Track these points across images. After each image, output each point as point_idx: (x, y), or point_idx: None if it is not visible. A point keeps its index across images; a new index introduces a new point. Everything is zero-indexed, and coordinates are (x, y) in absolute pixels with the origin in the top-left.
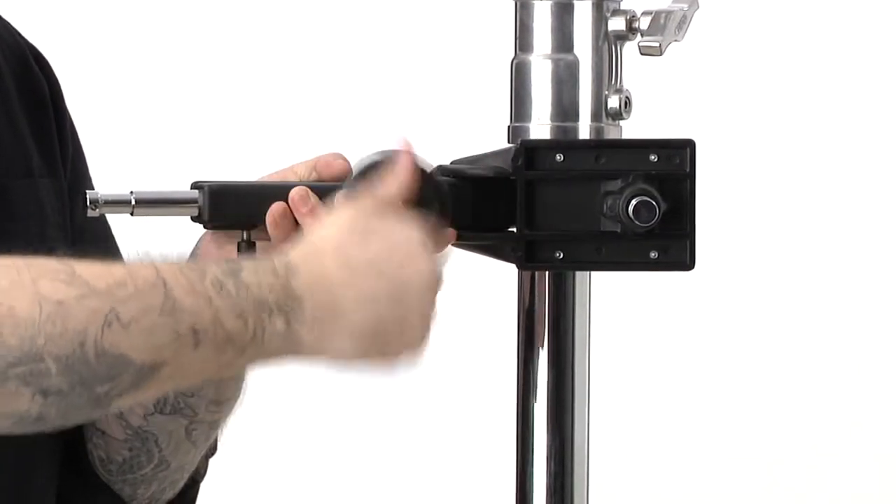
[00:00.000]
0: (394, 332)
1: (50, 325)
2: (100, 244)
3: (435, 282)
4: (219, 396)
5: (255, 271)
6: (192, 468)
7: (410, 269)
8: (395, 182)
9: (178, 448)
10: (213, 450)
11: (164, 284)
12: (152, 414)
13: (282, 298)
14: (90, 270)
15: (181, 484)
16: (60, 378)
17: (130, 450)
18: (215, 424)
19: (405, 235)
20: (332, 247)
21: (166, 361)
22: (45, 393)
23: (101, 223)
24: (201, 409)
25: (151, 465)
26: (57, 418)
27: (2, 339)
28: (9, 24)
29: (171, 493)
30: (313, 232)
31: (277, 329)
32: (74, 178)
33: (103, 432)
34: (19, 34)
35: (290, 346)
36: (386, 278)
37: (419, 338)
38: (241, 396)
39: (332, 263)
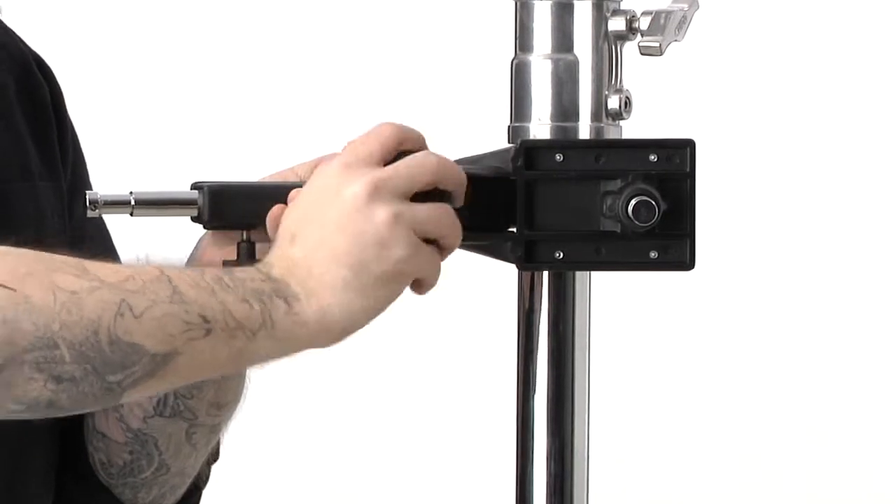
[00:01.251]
0: (374, 264)
1: (65, 313)
2: (98, 248)
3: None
4: (219, 399)
5: (243, 270)
6: (194, 473)
7: (353, 226)
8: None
9: (179, 451)
10: (214, 456)
11: (170, 280)
12: (152, 416)
13: (272, 286)
14: (99, 267)
15: (182, 489)
16: (74, 365)
17: (131, 453)
18: (216, 428)
19: (349, 192)
20: (289, 233)
21: (178, 350)
22: (57, 379)
23: (100, 228)
24: (201, 412)
25: (152, 469)
26: (68, 405)
27: (17, 325)
28: (11, 30)
29: (171, 499)
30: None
31: (281, 311)
32: (74, 183)
33: (104, 435)
34: (22, 41)
35: (298, 325)
36: (340, 241)
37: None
38: (241, 401)
39: (289, 246)
